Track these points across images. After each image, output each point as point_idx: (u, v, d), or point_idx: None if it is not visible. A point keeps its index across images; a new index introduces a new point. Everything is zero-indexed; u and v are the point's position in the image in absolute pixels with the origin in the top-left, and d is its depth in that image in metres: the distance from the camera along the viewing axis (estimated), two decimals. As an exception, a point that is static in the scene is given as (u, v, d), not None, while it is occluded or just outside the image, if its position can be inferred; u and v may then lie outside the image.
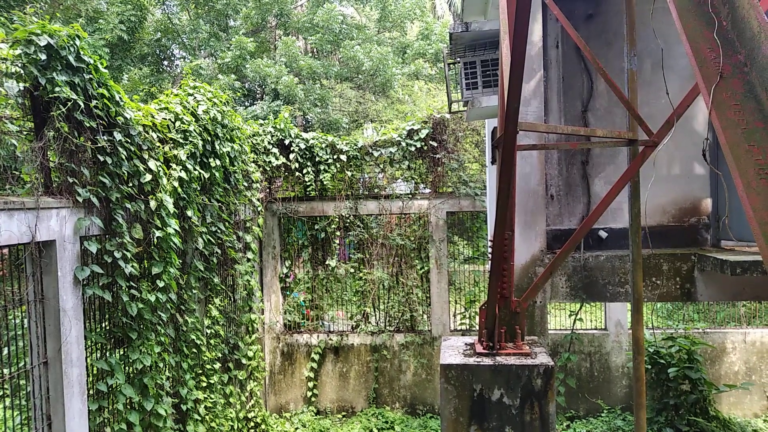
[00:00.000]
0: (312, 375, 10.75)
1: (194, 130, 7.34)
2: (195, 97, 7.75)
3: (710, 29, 1.91)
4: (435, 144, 10.82)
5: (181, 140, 7.08)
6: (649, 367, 8.81)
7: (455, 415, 4.99)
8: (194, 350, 7.34)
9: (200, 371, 7.53)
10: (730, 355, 10.00)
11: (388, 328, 10.78)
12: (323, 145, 10.88)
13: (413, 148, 10.80)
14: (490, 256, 5.32)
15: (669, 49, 6.46)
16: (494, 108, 7.71)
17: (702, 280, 6.09)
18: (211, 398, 7.71)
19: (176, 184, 6.80)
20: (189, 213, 7.17)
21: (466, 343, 5.70)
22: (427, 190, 10.91)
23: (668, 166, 6.42)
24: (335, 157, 10.88)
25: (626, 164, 5.75)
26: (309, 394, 10.76)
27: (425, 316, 10.74)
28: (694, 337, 9.42)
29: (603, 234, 6.53)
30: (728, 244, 6.37)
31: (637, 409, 5.50)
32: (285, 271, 11.11)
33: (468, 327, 10.73)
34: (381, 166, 10.96)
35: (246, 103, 18.33)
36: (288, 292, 11.12)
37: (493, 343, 5.32)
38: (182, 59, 19.87)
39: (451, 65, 9.52)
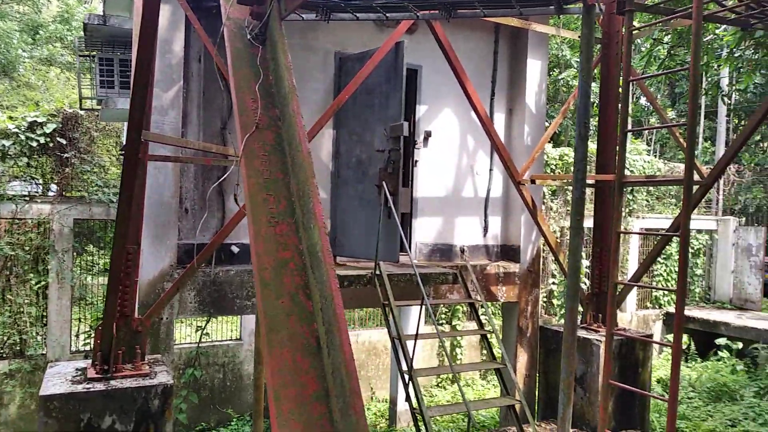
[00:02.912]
0: None
1: None
2: None
3: (256, 81, 2.12)
4: (64, 141, 9.57)
5: None
6: (277, 373, 9.41)
7: (54, 453, 4.42)
8: None
9: None
10: (345, 356, 11.45)
11: (-13, 355, 8.98)
12: None
13: (35, 144, 9.34)
14: (109, 271, 4.91)
15: (303, 82, 7.10)
16: (131, 112, 7.25)
17: (318, 293, 6.80)
18: None
19: None
20: None
21: (77, 369, 5.13)
22: (52, 193, 9.55)
23: (296, 188, 7.01)
24: None
25: (258, 184, 6.05)
26: None
27: (40, 338, 9.32)
28: (317, 342, 10.47)
29: (235, 249, 6.73)
30: (342, 260, 7.29)
31: (256, 417, 5.78)
32: None
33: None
34: (-10, 160, 9.15)
35: None
36: None
37: (109, 366, 4.92)
38: None
39: (88, 58, 8.62)
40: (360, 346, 11.58)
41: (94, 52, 7.64)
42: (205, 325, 6.37)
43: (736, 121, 21.18)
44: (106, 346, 4.92)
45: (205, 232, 6.54)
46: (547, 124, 8.76)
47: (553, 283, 13.09)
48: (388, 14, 5.37)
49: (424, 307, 5.64)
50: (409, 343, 6.15)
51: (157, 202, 6.01)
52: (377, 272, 6.23)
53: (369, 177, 6.93)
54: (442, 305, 11.79)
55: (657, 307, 14.64)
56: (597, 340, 7.19)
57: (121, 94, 7.31)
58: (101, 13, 7.91)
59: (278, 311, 1.76)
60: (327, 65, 7.21)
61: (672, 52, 8.45)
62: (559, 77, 14.86)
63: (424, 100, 7.88)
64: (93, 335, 9.71)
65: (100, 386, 4.68)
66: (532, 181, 7.63)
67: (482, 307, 6.90)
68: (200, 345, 8.35)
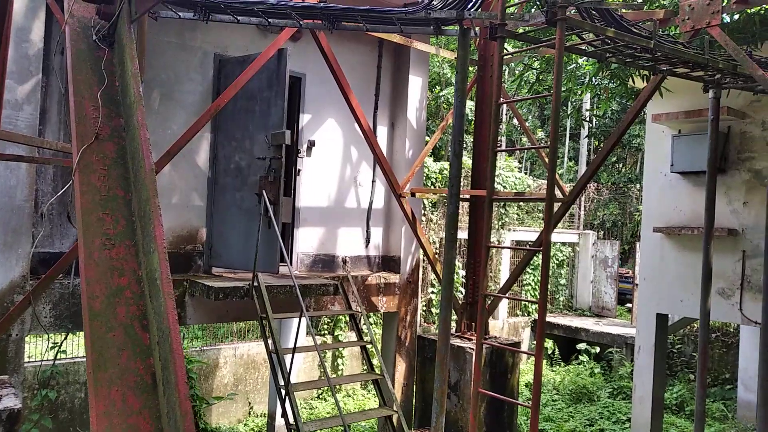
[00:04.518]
0: None
1: None
2: None
3: (99, 86, 1.96)
4: None
5: None
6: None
7: None
8: None
9: None
10: (222, 369, 10.98)
11: None
12: None
13: None
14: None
15: (179, 83, 6.78)
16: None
17: (192, 305, 6.48)
18: None
19: None
20: None
21: None
22: None
23: (170, 195, 6.64)
24: None
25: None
26: None
27: None
28: (191, 355, 9.97)
29: (99, 259, 6.23)
30: (218, 271, 7.01)
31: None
32: None
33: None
34: None
35: None
36: None
37: (-61, 392, 4.32)
38: None
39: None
40: (238, 360, 11.19)
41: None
42: (62, 341, 5.82)
43: (596, 144, 23.25)
44: (-64, 368, 4.34)
45: (64, 240, 6.00)
46: (427, 138, 9.05)
47: (432, 292, 13.51)
48: (270, 20, 5.26)
49: (304, 319, 5.56)
50: (289, 357, 6.03)
51: (8, 206, 5.43)
52: (255, 284, 6.06)
53: (249, 185, 6.74)
54: (324, 316, 11.72)
55: (526, 314, 15.60)
56: (470, 348, 7.49)
57: (-33, 85, 6.53)
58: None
59: (109, 345, 1.61)
60: (206, 67, 6.94)
61: (540, 77, 9.08)
62: (440, 94, 15.47)
63: (308, 109, 7.83)
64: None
65: (-74, 415, 4.10)
66: (413, 194, 7.83)
67: (363, 317, 6.94)
68: (56, 363, 7.62)
